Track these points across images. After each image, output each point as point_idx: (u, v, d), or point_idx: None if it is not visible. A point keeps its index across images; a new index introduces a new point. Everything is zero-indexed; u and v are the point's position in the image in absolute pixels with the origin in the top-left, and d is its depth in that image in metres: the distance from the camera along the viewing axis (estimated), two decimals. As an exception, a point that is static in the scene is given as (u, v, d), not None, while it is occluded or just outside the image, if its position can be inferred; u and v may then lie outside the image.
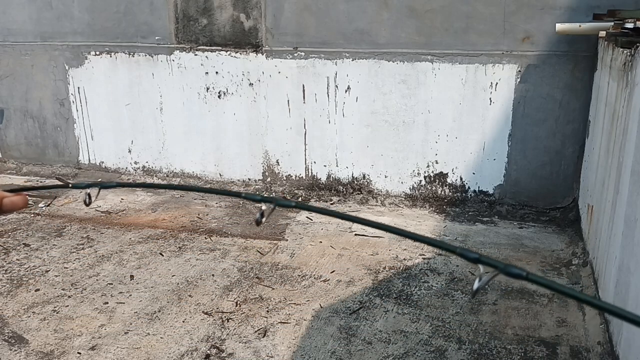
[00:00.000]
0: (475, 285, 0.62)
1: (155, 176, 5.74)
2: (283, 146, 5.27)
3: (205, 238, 4.29)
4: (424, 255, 3.98)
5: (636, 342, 2.26)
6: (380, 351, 2.84)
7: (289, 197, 5.21)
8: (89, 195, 0.88)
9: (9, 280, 3.63)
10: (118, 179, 5.79)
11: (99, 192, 0.88)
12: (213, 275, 3.67)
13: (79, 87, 5.77)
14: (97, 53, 5.58)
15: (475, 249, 4.07)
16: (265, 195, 5.26)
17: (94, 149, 5.94)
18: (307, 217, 4.74)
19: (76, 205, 5.10)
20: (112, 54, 5.52)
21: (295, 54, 4.98)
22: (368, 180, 5.11)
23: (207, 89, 5.33)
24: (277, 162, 5.33)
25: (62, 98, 5.87)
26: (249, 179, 5.47)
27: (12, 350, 2.87)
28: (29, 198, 5.20)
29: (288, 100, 5.11)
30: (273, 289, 3.48)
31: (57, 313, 3.23)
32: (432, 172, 4.91)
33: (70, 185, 0.91)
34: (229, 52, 5.17)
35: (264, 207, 0.77)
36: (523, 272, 0.59)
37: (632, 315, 0.53)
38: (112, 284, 3.57)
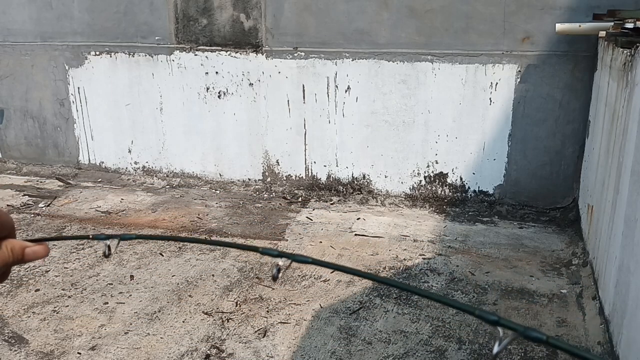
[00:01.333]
0: (495, 349, 0.60)
1: (155, 176, 5.74)
2: (283, 146, 5.27)
3: (206, 238, 4.29)
4: (424, 255, 3.98)
5: (636, 342, 2.27)
6: (380, 351, 2.84)
7: (288, 197, 5.20)
8: (108, 247, 0.85)
9: (9, 280, 3.62)
10: (118, 179, 5.79)
11: (118, 243, 0.86)
12: (213, 275, 3.67)
13: (79, 87, 5.77)
14: (97, 53, 5.58)
15: (475, 249, 4.07)
16: (265, 196, 5.25)
17: (94, 149, 5.93)
18: (307, 217, 4.74)
19: (76, 205, 5.10)
20: (112, 54, 5.52)
21: (295, 54, 4.98)
22: (368, 180, 5.11)
23: (207, 89, 5.33)
24: (277, 162, 5.33)
25: (62, 98, 5.86)
26: (249, 179, 5.47)
27: (12, 350, 2.87)
28: (29, 198, 5.17)
29: (288, 100, 5.11)
30: (273, 289, 3.48)
31: (57, 313, 3.23)
32: (432, 172, 4.91)
33: (90, 237, 0.90)
34: (229, 52, 5.17)
35: (280, 263, 0.75)
36: (543, 336, 0.58)
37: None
38: (112, 284, 3.57)
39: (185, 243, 4.18)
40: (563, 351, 0.58)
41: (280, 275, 0.75)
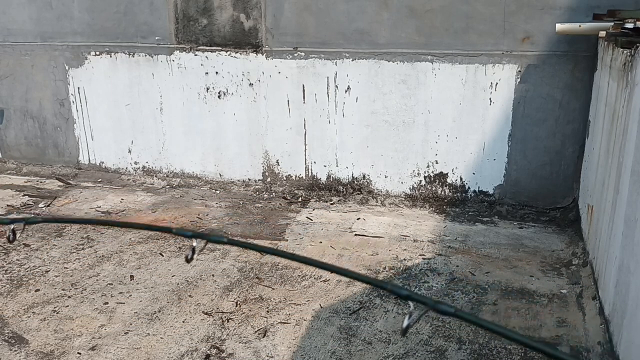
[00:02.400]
0: (405, 322, 0.61)
1: (156, 176, 5.74)
2: (283, 146, 5.27)
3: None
4: (424, 255, 3.98)
5: (636, 342, 2.27)
6: (380, 351, 2.84)
7: (289, 197, 5.20)
8: (13, 231, 0.82)
9: (9, 280, 3.63)
10: (118, 179, 5.79)
11: (24, 227, 0.83)
12: (213, 275, 3.67)
13: (79, 87, 5.77)
14: (97, 53, 5.58)
15: (476, 249, 4.07)
16: (265, 196, 5.25)
17: (94, 149, 5.93)
18: (307, 217, 4.74)
19: (76, 205, 5.10)
20: (112, 54, 5.52)
21: (295, 54, 4.98)
22: (368, 180, 5.11)
23: (207, 89, 5.32)
24: (277, 162, 5.33)
25: (62, 98, 5.87)
26: (249, 179, 5.47)
27: (12, 351, 2.87)
28: (29, 198, 5.16)
29: (288, 101, 5.11)
30: (273, 289, 3.48)
31: (57, 313, 3.23)
32: (432, 172, 4.91)
33: None
34: (229, 52, 5.17)
35: (194, 244, 0.76)
36: (451, 308, 0.60)
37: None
38: (112, 284, 3.57)
39: (185, 242, 4.17)
40: (470, 323, 0.59)
41: (195, 256, 0.75)
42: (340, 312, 3.21)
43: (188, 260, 0.75)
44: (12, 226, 0.78)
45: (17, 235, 0.77)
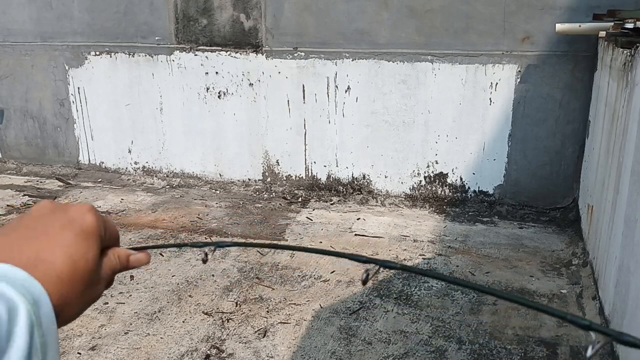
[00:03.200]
0: (589, 352, 0.63)
1: (155, 176, 5.74)
2: (283, 146, 5.27)
3: (206, 238, 4.29)
4: (424, 255, 3.98)
5: (636, 342, 2.26)
6: (380, 351, 2.84)
7: (288, 197, 5.20)
8: (206, 254, 0.93)
9: (9, 280, 3.62)
10: (118, 179, 5.80)
11: (214, 250, 0.93)
12: (213, 275, 3.68)
13: (79, 87, 5.77)
14: (97, 53, 5.58)
15: (475, 249, 4.07)
16: (265, 196, 5.24)
17: (94, 149, 5.93)
18: (307, 217, 4.74)
19: (76, 205, 5.09)
20: (112, 54, 5.52)
21: (295, 54, 4.97)
22: (368, 181, 5.11)
23: (207, 89, 5.32)
24: (277, 162, 5.33)
25: (62, 98, 5.86)
26: (249, 179, 5.47)
27: (12, 351, 2.87)
28: (29, 198, 5.15)
29: (288, 101, 5.11)
30: (273, 289, 3.48)
31: (57, 313, 3.22)
32: (432, 172, 4.91)
33: (189, 244, 0.96)
34: (229, 52, 5.17)
35: (369, 268, 0.83)
36: (635, 339, 0.59)
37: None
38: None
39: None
40: None
41: (369, 280, 0.83)
42: (340, 312, 3.21)
43: (364, 283, 0.83)
44: (205, 249, 0.92)
45: (209, 257, 0.91)
